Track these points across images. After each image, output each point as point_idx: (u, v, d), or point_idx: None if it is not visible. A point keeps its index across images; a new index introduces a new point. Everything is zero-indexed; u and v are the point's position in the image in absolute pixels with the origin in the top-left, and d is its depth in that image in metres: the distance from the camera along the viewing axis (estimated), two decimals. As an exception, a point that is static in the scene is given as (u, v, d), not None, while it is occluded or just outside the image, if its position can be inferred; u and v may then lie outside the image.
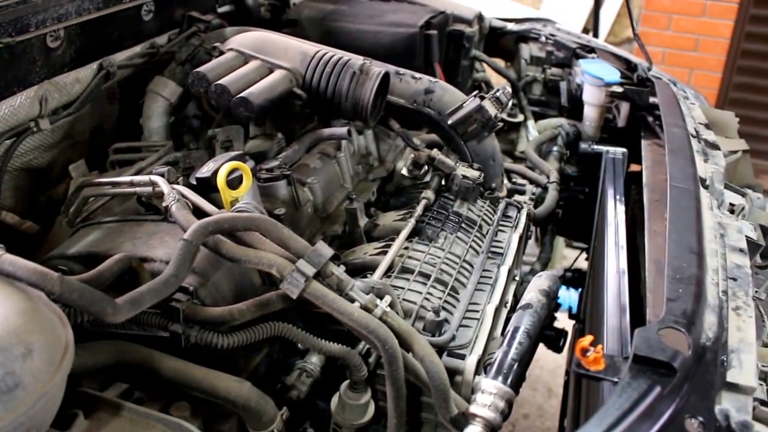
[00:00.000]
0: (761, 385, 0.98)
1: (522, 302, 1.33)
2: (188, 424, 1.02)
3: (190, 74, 1.65)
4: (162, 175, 1.33)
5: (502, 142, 2.41)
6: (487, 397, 1.09)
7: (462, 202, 1.68)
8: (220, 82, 1.60)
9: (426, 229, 1.55)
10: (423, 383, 1.16)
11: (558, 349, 1.77)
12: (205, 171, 1.36)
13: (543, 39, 2.64)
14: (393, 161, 1.93)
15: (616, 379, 0.94)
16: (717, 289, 1.13)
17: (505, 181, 2.01)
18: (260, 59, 1.73)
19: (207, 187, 1.34)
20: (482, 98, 1.79)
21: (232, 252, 1.15)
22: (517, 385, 1.14)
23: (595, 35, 3.01)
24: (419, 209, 1.60)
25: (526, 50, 2.65)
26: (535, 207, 1.89)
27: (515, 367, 1.16)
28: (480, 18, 2.61)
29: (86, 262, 1.22)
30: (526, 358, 1.20)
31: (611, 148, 2.09)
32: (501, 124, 1.89)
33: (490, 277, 1.48)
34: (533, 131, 2.42)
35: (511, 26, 2.72)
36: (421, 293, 1.34)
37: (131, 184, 1.35)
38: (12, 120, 1.55)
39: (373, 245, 1.53)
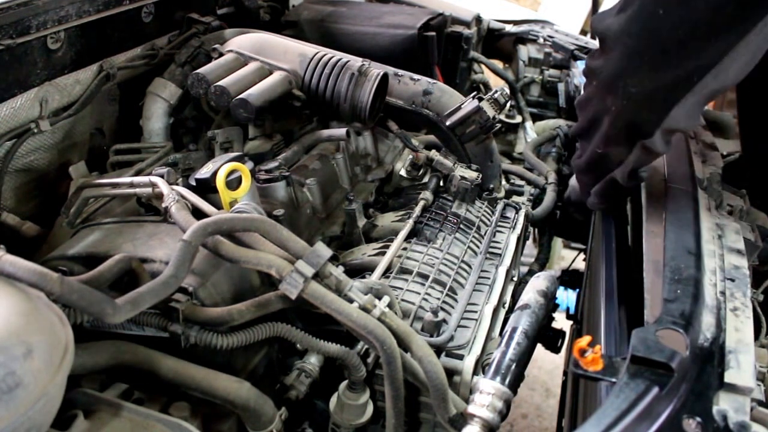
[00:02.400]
0: (759, 385, 0.99)
1: (520, 303, 1.34)
2: (188, 424, 1.02)
3: (189, 76, 1.66)
4: (162, 176, 1.33)
5: (500, 143, 2.42)
6: (485, 397, 1.09)
7: (460, 203, 1.69)
8: (219, 83, 1.61)
9: (424, 230, 1.56)
10: (421, 383, 1.16)
11: (556, 350, 1.77)
12: (204, 172, 1.37)
13: (541, 40, 2.64)
14: (391, 162, 1.94)
15: (614, 380, 0.94)
16: (715, 289, 1.13)
17: (503, 182, 2.01)
18: (259, 61, 1.74)
19: (206, 188, 1.34)
20: (480, 99, 1.79)
21: (231, 253, 1.15)
22: (515, 385, 1.14)
23: (593, 37, 3.01)
24: (417, 210, 1.60)
25: (525, 52, 2.65)
26: (533, 208, 1.90)
27: (513, 367, 1.16)
28: (478, 20, 2.62)
29: (86, 262, 1.23)
30: (524, 358, 1.20)
31: (609, 150, 2.09)
32: (499, 126, 1.89)
33: (488, 278, 1.48)
34: (531, 132, 2.43)
35: (509, 28, 2.73)
36: (419, 294, 1.34)
37: (131, 185, 1.36)
38: (12, 121, 1.56)
39: (371, 246, 1.54)
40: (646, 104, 1.27)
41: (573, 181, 1.91)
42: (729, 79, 1.21)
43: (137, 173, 1.61)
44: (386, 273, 1.39)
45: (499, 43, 2.77)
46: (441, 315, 1.27)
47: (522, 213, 1.74)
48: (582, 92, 1.47)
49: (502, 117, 2.37)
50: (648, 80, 1.23)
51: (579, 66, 2.33)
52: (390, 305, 1.21)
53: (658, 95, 1.25)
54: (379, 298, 1.20)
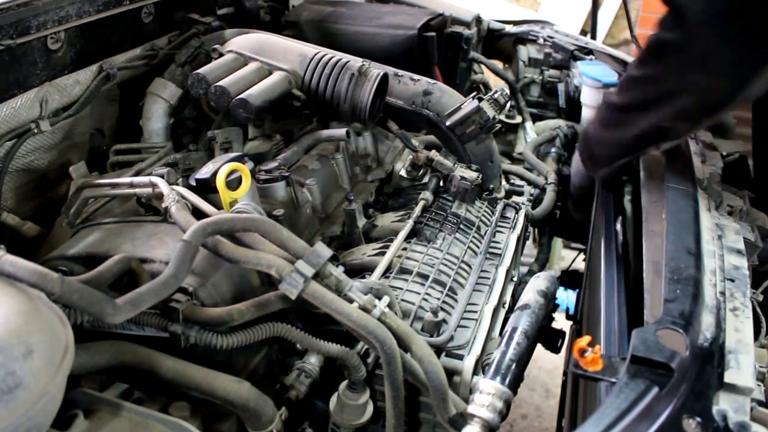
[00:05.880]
0: (759, 385, 0.99)
1: (520, 303, 1.34)
2: (188, 424, 1.02)
3: (189, 76, 1.66)
4: (162, 177, 1.34)
5: (500, 143, 2.41)
6: (485, 397, 1.09)
7: (460, 203, 1.69)
8: (219, 83, 1.61)
9: (424, 230, 1.56)
10: (421, 383, 1.16)
11: (556, 350, 1.77)
12: (204, 172, 1.37)
13: (541, 41, 2.64)
14: (391, 162, 1.94)
15: (613, 380, 0.94)
16: (715, 290, 1.13)
17: (503, 182, 2.01)
18: (259, 61, 1.74)
19: (206, 188, 1.34)
20: (480, 100, 1.79)
21: (231, 253, 1.15)
22: (515, 385, 1.15)
23: (593, 37, 3.02)
24: (417, 210, 1.60)
25: (524, 52, 2.65)
26: (533, 208, 1.90)
27: (513, 367, 1.16)
28: (478, 20, 2.61)
29: (86, 262, 1.23)
30: (524, 358, 1.20)
31: (609, 150, 2.09)
32: (499, 126, 1.89)
33: (488, 278, 1.48)
34: (531, 133, 2.42)
35: (509, 28, 2.72)
36: (419, 294, 1.34)
37: (131, 185, 1.36)
38: (13, 121, 1.56)
39: (371, 246, 1.54)
40: (732, 81, 1.30)
41: (575, 165, 1.90)
42: None
43: (137, 173, 1.61)
44: (386, 273, 1.39)
45: (499, 43, 2.76)
46: (441, 315, 1.27)
47: (522, 213, 1.75)
48: (640, 63, 1.45)
49: (502, 117, 2.37)
50: (736, 58, 1.26)
51: (579, 66, 2.33)
52: (390, 305, 1.21)
53: (744, 72, 1.28)
54: (379, 298, 1.20)
